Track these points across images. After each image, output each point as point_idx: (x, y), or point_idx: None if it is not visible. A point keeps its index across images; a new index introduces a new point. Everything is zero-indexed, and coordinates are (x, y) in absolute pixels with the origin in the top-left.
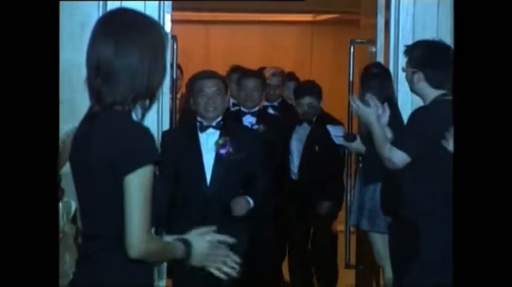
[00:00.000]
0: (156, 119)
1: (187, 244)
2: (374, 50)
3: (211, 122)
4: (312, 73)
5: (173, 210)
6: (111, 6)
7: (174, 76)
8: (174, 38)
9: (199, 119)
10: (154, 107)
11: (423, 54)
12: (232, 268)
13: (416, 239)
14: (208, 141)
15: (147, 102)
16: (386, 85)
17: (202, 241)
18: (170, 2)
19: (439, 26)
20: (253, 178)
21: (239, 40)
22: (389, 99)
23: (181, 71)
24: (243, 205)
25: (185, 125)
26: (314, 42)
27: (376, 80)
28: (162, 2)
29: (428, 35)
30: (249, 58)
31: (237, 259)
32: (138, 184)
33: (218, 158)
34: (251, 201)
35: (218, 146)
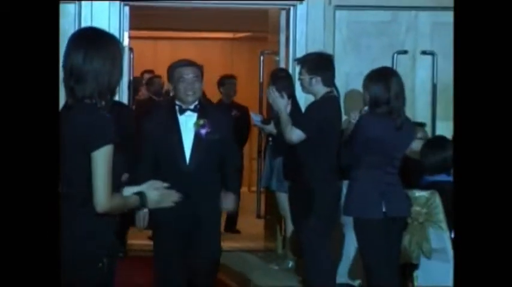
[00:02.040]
0: None
1: (142, 196)
2: (278, 59)
3: (189, 105)
4: None
5: None
6: (84, 24)
7: (131, 77)
8: (131, 49)
9: (178, 103)
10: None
11: (319, 63)
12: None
13: (310, 198)
14: (187, 123)
15: (108, 96)
16: (288, 85)
17: (154, 191)
18: (128, 23)
19: (325, 41)
20: (226, 158)
21: (179, 52)
22: (290, 95)
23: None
24: (232, 200)
25: (163, 108)
26: (234, 54)
27: (281, 81)
28: (122, 22)
29: (317, 47)
30: None
31: (179, 195)
32: (102, 158)
33: (197, 138)
34: (234, 196)
35: (198, 126)
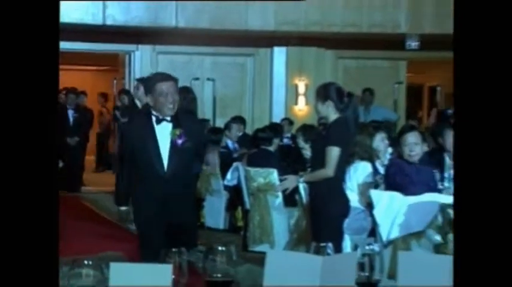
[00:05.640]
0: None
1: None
2: (124, 82)
3: (166, 116)
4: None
5: (136, 188)
6: None
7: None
8: None
9: (155, 113)
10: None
11: (146, 82)
12: None
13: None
14: (163, 132)
15: None
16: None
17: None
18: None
19: (151, 73)
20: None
21: (68, 78)
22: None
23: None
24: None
25: (140, 118)
26: (99, 79)
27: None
28: None
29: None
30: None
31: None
32: None
33: (174, 146)
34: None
35: (175, 136)
